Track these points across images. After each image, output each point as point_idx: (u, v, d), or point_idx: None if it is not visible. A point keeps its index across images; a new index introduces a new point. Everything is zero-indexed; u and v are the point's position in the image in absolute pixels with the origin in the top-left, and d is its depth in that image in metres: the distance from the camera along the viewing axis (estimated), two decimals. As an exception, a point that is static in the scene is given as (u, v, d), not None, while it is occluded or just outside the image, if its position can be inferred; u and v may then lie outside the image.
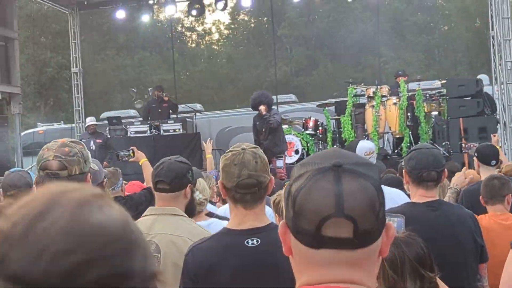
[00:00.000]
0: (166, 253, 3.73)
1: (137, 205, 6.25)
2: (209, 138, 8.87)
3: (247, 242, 3.16)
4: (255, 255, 3.13)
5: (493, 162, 6.49)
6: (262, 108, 13.76)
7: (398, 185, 5.89)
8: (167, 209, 3.97)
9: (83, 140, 16.64)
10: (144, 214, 4.02)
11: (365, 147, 4.92)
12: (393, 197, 4.95)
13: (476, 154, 6.66)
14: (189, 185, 4.04)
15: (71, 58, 21.99)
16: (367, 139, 15.95)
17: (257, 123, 14.17)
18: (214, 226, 4.32)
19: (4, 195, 4.99)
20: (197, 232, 3.84)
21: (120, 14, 20.94)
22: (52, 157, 3.05)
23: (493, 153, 6.60)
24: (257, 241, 3.15)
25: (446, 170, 4.39)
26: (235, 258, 3.15)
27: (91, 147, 16.65)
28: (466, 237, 4.24)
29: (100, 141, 16.87)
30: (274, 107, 15.30)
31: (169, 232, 3.89)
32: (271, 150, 13.81)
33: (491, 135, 10.93)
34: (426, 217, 4.10)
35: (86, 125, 17.50)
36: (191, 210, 4.12)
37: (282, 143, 14.50)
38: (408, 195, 4.81)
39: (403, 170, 4.47)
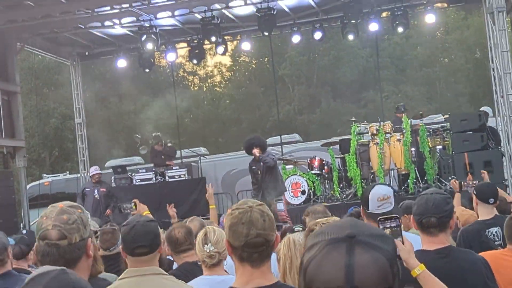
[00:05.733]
0: None
1: None
2: (210, 184, 8.80)
3: None
4: None
5: (491, 200, 6.44)
6: (255, 151, 13.93)
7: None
8: (148, 269, 3.91)
9: (87, 189, 16.77)
10: (121, 276, 3.93)
11: (378, 193, 4.82)
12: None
13: (475, 192, 6.63)
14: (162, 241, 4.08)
15: (74, 109, 22.07)
16: (373, 176, 15.94)
17: (253, 167, 14.28)
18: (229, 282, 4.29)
19: None
20: None
21: (121, 63, 21.05)
22: (51, 226, 3.00)
23: (491, 191, 6.56)
24: None
25: (453, 216, 4.34)
26: None
27: (96, 196, 16.74)
28: (478, 283, 4.18)
29: (104, 190, 16.96)
30: (269, 148, 15.51)
31: None
32: (271, 192, 13.91)
33: (481, 172, 10.93)
34: (436, 265, 4.04)
35: (91, 174, 17.60)
36: (162, 264, 4.11)
37: (281, 183, 14.57)
38: None
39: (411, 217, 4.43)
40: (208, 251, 4.70)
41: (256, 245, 3.13)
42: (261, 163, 13.99)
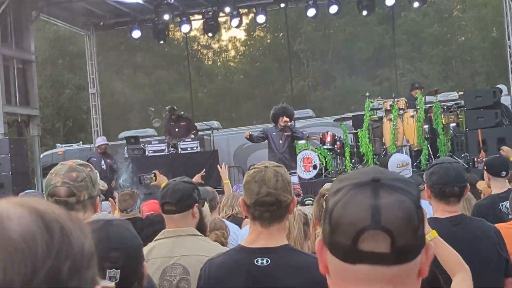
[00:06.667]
0: (197, 273, 3.65)
1: (153, 224, 6.27)
2: (223, 163, 8.83)
3: (257, 261, 3.12)
4: (263, 275, 3.11)
5: (503, 173, 6.40)
6: (286, 119, 13.75)
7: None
8: (184, 230, 3.95)
9: (93, 159, 16.69)
10: (158, 237, 3.98)
11: (397, 159, 4.88)
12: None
13: (485, 167, 6.58)
14: (196, 204, 4.02)
15: (88, 79, 22.11)
16: (385, 152, 15.90)
17: (274, 134, 14.08)
18: None
19: None
20: (219, 251, 3.84)
21: (136, 34, 21.04)
22: (60, 183, 3.00)
23: (502, 164, 6.51)
24: (266, 261, 3.11)
25: (468, 184, 4.34)
26: (243, 276, 3.14)
27: (102, 166, 16.68)
28: (490, 251, 4.18)
29: (110, 161, 16.95)
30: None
31: (194, 253, 3.87)
32: (288, 162, 13.82)
33: (500, 148, 10.72)
34: (448, 232, 4.04)
35: (97, 144, 17.60)
36: (202, 230, 4.10)
37: (295, 158, 14.62)
38: None
39: (425, 185, 4.42)
40: None
41: (266, 204, 3.14)
42: (285, 134, 13.89)
